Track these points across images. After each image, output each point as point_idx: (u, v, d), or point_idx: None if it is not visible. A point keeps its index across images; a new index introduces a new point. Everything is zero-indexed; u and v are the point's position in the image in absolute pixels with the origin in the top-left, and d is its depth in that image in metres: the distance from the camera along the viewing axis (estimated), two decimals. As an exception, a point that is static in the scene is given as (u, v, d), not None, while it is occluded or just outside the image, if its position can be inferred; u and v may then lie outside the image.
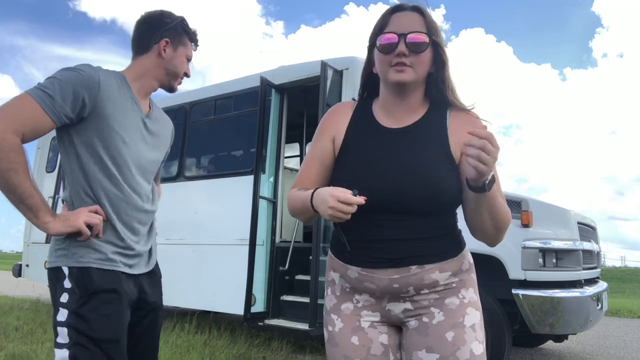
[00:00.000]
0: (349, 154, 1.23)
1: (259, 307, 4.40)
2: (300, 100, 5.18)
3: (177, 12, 1.60)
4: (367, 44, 1.25)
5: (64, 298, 1.34)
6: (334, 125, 1.28)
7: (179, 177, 5.56)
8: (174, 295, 5.31)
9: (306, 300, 4.08)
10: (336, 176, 1.23)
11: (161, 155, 1.62)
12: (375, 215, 1.15)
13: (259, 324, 4.48)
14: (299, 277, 4.59)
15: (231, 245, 4.74)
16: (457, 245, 1.21)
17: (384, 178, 1.15)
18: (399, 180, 1.14)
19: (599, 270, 4.37)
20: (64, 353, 1.29)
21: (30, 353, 3.89)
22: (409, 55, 1.14)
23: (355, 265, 1.20)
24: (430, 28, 1.16)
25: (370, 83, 1.30)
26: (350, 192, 1.07)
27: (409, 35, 1.13)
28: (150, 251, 1.59)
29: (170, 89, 1.59)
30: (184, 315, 5.52)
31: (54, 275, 1.40)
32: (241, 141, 5.39)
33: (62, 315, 1.32)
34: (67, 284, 1.35)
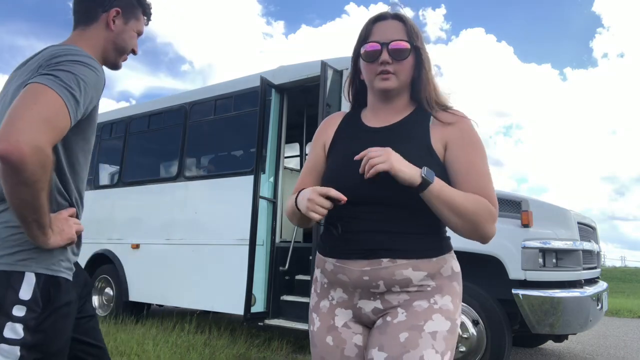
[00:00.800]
0: (333, 154, 1.30)
1: (259, 307, 4.40)
2: (300, 100, 5.18)
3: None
4: (352, 54, 1.30)
5: (19, 311, 1.13)
6: (325, 133, 1.35)
7: (179, 177, 5.56)
8: (174, 295, 5.32)
9: (306, 300, 4.08)
10: (325, 174, 1.30)
11: None
12: (353, 208, 1.16)
13: (259, 324, 4.48)
14: (299, 277, 4.59)
15: (231, 245, 4.75)
16: (438, 247, 1.18)
17: (351, 174, 1.16)
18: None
19: (599, 270, 4.37)
20: None
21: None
22: (392, 62, 1.19)
23: (331, 257, 1.22)
24: (411, 34, 1.21)
25: (358, 91, 1.35)
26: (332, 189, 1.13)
27: (390, 44, 1.19)
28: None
29: (114, 66, 1.41)
30: (184, 315, 5.52)
31: (7, 279, 1.14)
32: (241, 141, 5.39)
33: (14, 331, 1.12)
34: (27, 294, 1.14)
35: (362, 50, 1.23)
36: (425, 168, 1.10)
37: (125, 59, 1.43)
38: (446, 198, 1.09)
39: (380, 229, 1.15)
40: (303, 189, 1.26)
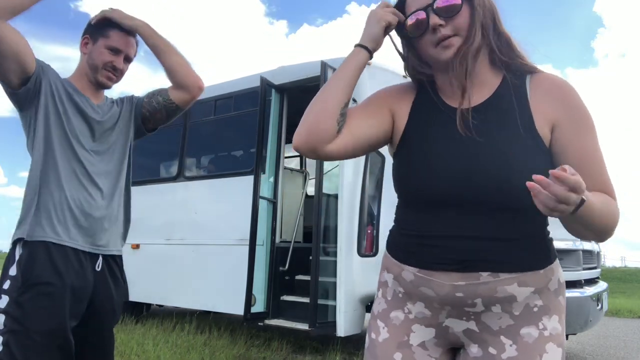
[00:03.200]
0: (412, 140, 1.05)
1: (259, 307, 4.40)
2: (300, 100, 5.17)
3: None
4: (397, 37, 1.09)
5: (6, 285, 1.38)
6: (397, 101, 1.09)
7: (179, 177, 5.56)
8: (174, 296, 5.32)
9: (306, 300, 4.08)
10: (399, 165, 1.06)
11: None
12: (444, 208, 0.96)
13: (259, 324, 4.48)
14: (299, 277, 4.59)
15: (231, 245, 4.75)
16: (546, 255, 0.98)
17: (454, 169, 0.96)
18: (468, 164, 0.95)
19: (599, 270, 4.37)
20: None
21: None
22: (446, 23, 0.96)
23: (412, 265, 1.00)
24: None
25: (417, 70, 1.08)
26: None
27: (436, 3, 0.96)
28: None
29: (100, 84, 1.56)
30: (184, 315, 5.52)
31: (9, 255, 1.45)
32: (241, 141, 5.39)
33: (2, 302, 1.36)
34: (13, 271, 1.40)
35: (408, 25, 1.00)
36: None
37: (107, 76, 1.54)
38: (592, 210, 0.83)
39: (477, 235, 0.94)
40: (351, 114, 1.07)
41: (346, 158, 1.09)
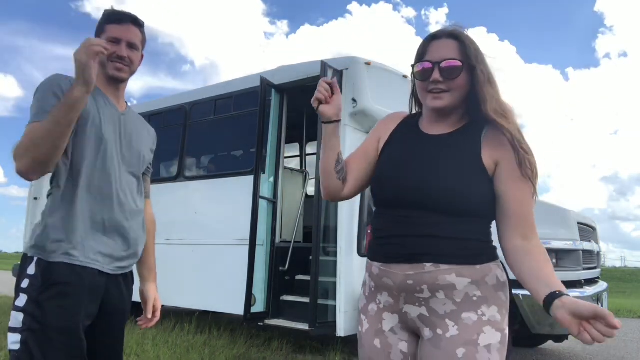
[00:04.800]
0: (386, 153, 1.33)
1: (259, 307, 4.40)
2: (300, 100, 5.17)
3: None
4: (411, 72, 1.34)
5: (25, 284, 1.38)
6: (385, 128, 1.38)
7: (179, 177, 5.56)
8: (174, 295, 5.32)
9: (306, 300, 4.08)
10: (374, 177, 1.33)
11: None
12: (400, 212, 1.20)
13: (259, 324, 4.48)
14: (299, 277, 4.59)
15: (231, 245, 4.75)
16: (483, 254, 1.18)
17: (409, 175, 1.21)
18: (423, 178, 1.18)
19: (599, 270, 4.37)
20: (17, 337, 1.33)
21: (30, 353, 3.88)
22: (444, 81, 1.20)
23: (377, 261, 1.25)
24: (467, 52, 1.20)
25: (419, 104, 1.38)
26: None
27: (442, 63, 1.20)
28: None
29: (112, 78, 1.55)
30: (184, 315, 5.52)
31: (24, 261, 1.46)
32: (241, 141, 5.39)
33: (21, 301, 1.37)
34: (32, 270, 1.41)
35: (416, 70, 1.26)
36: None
37: (116, 67, 1.53)
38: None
39: (426, 234, 1.16)
40: (348, 160, 1.38)
41: (360, 193, 1.39)
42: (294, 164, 6.72)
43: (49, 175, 1.54)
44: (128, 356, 3.91)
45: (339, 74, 4.31)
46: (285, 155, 5.25)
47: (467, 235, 1.17)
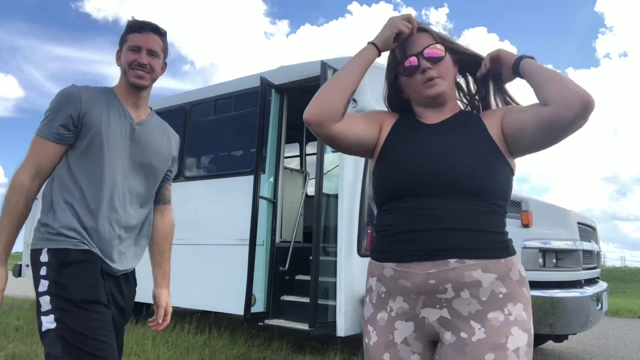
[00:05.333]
0: (391, 145, 1.24)
1: (259, 307, 4.40)
2: (300, 100, 5.17)
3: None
4: (385, 74, 1.33)
5: (43, 271, 1.47)
6: (386, 117, 1.31)
7: (178, 177, 5.56)
8: (174, 295, 5.31)
9: (306, 300, 4.08)
10: (377, 170, 1.24)
11: None
12: (413, 203, 1.12)
13: (259, 324, 4.48)
14: (299, 277, 4.59)
15: (231, 245, 4.74)
16: (505, 248, 1.11)
17: (420, 160, 1.14)
18: (439, 162, 1.12)
19: (599, 270, 4.37)
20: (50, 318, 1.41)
21: (30, 353, 3.89)
22: (432, 67, 1.20)
23: (390, 261, 1.14)
24: (439, 37, 1.24)
25: (399, 107, 1.34)
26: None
27: (424, 51, 1.21)
28: None
29: (130, 86, 1.60)
30: (184, 315, 5.52)
31: (35, 254, 1.53)
32: (241, 141, 5.39)
33: (43, 285, 1.45)
34: (45, 258, 1.49)
35: (401, 69, 1.25)
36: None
37: (137, 75, 1.58)
38: (543, 66, 1.13)
39: (444, 226, 1.08)
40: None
41: (338, 144, 1.24)
42: (294, 164, 6.71)
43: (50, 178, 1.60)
44: (128, 356, 3.91)
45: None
46: (285, 155, 5.25)
47: (490, 226, 1.10)
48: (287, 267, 4.55)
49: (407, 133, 1.24)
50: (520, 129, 1.13)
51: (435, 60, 1.21)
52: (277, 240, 4.70)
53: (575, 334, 4.14)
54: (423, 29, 1.26)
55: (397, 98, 1.33)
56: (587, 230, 4.17)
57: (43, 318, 1.42)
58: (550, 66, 1.15)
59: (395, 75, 1.30)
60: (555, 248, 3.56)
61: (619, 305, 9.72)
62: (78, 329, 1.39)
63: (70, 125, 1.51)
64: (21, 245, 7.92)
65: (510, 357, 1.02)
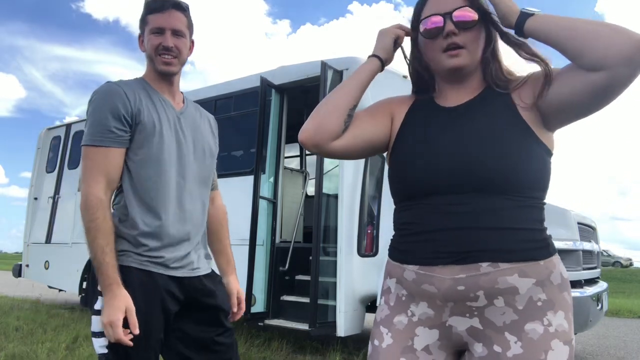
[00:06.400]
0: (406, 137, 1.10)
1: (259, 307, 4.40)
2: (300, 100, 5.18)
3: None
4: (408, 36, 1.15)
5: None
6: (397, 106, 1.17)
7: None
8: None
9: (306, 300, 4.08)
10: (393, 161, 1.11)
11: None
12: (437, 199, 0.98)
13: (259, 324, 4.48)
14: (299, 277, 4.59)
15: (231, 245, 4.74)
16: (544, 247, 0.97)
17: (446, 153, 0.99)
18: (461, 152, 0.98)
19: (599, 270, 4.37)
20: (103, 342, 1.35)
21: (30, 353, 3.89)
22: (459, 34, 1.01)
23: (413, 263, 1.01)
24: (477, 1, 1.04)
25: (423, 80, 1.16)
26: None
27: (454, 13, 1.01)
28: None
29: (161, 72, 1.49)
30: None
31: None
32: (241, 141, 5.39)
33: (99, 304, 1.36)
34: None
35: (422, 28, 1.05)
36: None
37: (164, 61, 1.47)
38: (557, 17, 0.93)
39: (474, 225, 0.94)
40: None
41: (347, 158, 1.14)
42: (294, 164, 6.71)
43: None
44: (128, 356, 3.91)
45: (339, 74, 4.32)
46: (285, 155, 5.25)
47: (526, 223, 0.96)
48: (287, 267, 4.55)
49: (423, 121, 1.09)
50: (565, 102, 0.95)
51: (465, 26, 1.01)
52: (277, 240, 4.70)
53: (575, 334, 4.14)
54: None
55: (419, 68, 1.15)
56: (587, 231, 4.17)
57: (95, 340, 1.36)
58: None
59: (416, 34, 1.12)
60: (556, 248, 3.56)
61: (619, 305, 9.72)
62: (128, 358, 1.34)
63: (126, 124, 1.40)
64: (22, 245, 7.92)
65: None
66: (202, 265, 1.56)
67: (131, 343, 1.30)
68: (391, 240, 1.11)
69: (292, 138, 6.09)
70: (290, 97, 4.93)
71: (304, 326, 4.02)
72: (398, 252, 1.07)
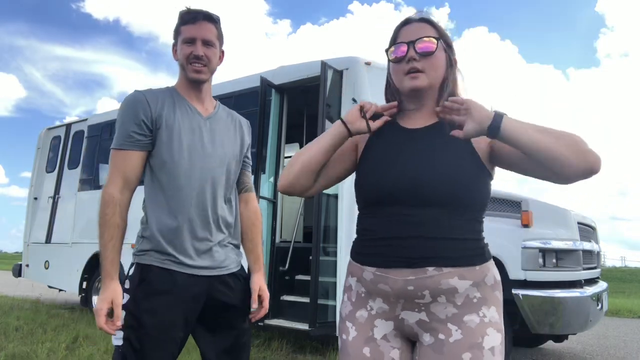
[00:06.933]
0: (369, 155, 1.25)
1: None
2: (300, 100, 5.18)
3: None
4: (385, 60, 1.30)
5: (126, 284, 1.52)
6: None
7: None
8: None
9: (306, 300, 4.08)
10: (359, 177, 1.24)
11: None
12: (396, 210, 1.13)
13: (259, 324, 4.48)
14: (299, 277, 4.59)
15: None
16: (481, 254, 1.15)
17: (403, 170, 1.14)
18: (419, 171, 1.13)
19: (599, 270, 4.37)
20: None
21: (30, 353, 3.89)
22: (420, 60, 1.17)
23: (370, 265, 1.17)
24: (439, 33, 1.21)
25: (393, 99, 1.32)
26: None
27: (417, 44, 1.18)
28: None
29: (192, 80, 1.59)
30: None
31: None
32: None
33: (125, 298, 1.48)
34: (130, 271, 1.55)
35: (390, 53, 1.23)
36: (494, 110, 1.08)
37: (195, 69, 1.56)
38: (526, 124, 1.05)
39: (424, 235, 1.11)
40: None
41: (322, 191, 1.32)
42: (294, 164, 6.71)
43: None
44: (128, 356, 3.91)
45: (338, 74, 4.32)
46: (285, 155, 5.25)
47: (467, 234, 1.13)
48: (287, 267, 4.55)
49: (385, 139, 1.24)
50: (513, 164, 1.15)
51: (425, 54, 1.18)
52: (277, 240, 4.70)
53: (575, 334, 4.14)
54: (425, 20, 1.23)
55: (389, 92, 1.31)
56: (587, 230, 4.17)
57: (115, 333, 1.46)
58: (533, 122, 1.08)
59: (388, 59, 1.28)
60: (555, 248, 3.56)
61: (619, 305, 9.72)
62: (141, 353, 1.43)
63: (145, 129, 1.50)
64: (21, 245, 7.92)
65: (487, 355, 1.07)
66: (226, 264, 1.61)
67: (114, 332, 1.42)
68: (353, 243, 1.26)
69: (292, 138, 6.10)
70: (290, 97, 4.93)
71: (304, 326, 4.02)
72: (358, 255, 1.22)
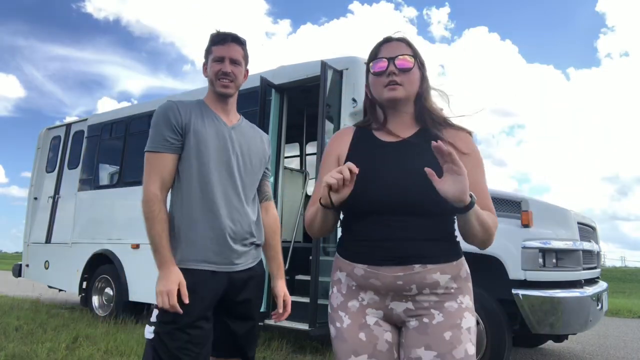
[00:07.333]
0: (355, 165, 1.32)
1: (258, 307, 4.39)
2: (300, 100, 5.18)
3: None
4: (365, 77, 1.42)
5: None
6: (338, 147, 1.44)
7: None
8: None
9: (306, 300, 4.08)
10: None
11: None
12: (383, 217, 1.27)
13: (259, 324, 4.48)
14: (299, 277, 4.59)
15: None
16: (456, 252, 1.32)
17: (388, 182, 1.27)
18: (403, 183, 1.26)
19: (599, 270, 4.37)
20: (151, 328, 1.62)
21: (30, 353, 3.89)
22: (398, 74, 1.32)
23: (362, 263, 1.30)
24: (416, 53, 1.36)
25: (372, 113, 1.45)
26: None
27: (397, 58, 1.33)
28: None
29: (220, 95, 1.76)
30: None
31: None
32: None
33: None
34: None
35: (371, 67, 1.36)
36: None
37: (223, 85, 1.74)
38: (480, 215, 1.21)
39: (409, 237, 1.26)
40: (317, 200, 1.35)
41: None
42: (294, 164, 6.71)
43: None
44: (128, 356, 3.92)
45: (338, 74, 4.32)
46: (285, 155, 5.25)
47: (446, 236, 1.30)
48: (287, 267, 4.55)
49: (365, 152, 1.36)
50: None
51: (403, 70, 1.32)
52: (277, 240, 4.69)
53: (575, 334, 4.14)
54: (403, 40, 1.37)
55: (368, 104, 1.44)
56: (587, 230, 4.17)
57: (147, 327, 1.63)
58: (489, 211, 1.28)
59: (368, 73, 1.40)
60: (555, 248, 3.56)
61: (619, 305, 9.72)
62: (170, 347, 1.57)
63: (177, 133, 1.67)
64: (21, 245, 7.92)
65: (464, 333, 1.25)
66: (243, 261, 1.76)
67: (181, 311, 1.56)
68: (340, 240, 1.39)
69: (292, 138, 6.10)
70: (290, 97, 4.93)
71: (304, 326, 4.02)
72: (348, 252, 1.34)
